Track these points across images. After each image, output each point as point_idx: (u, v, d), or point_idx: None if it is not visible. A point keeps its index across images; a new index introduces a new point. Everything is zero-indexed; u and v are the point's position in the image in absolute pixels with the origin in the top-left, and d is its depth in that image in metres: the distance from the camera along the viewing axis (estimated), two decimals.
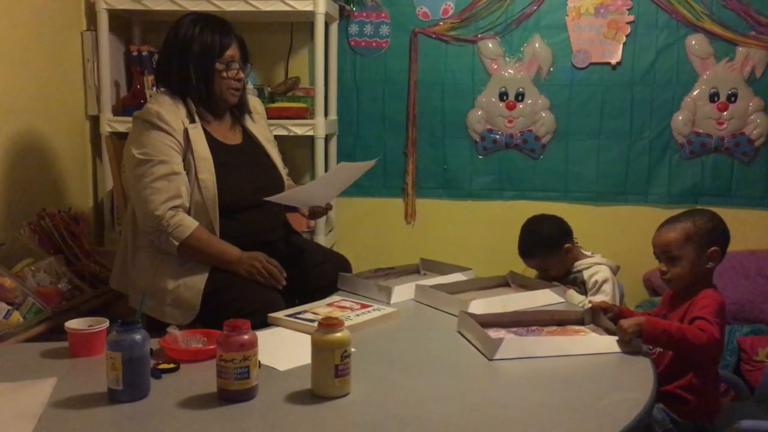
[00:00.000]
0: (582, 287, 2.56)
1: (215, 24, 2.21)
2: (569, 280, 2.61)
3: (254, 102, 2.45)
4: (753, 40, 3.13)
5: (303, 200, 2.34)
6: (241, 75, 2.23)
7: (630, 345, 1.74)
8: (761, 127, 3.16)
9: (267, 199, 2.16)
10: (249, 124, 2.37)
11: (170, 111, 2.14)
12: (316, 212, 2.37)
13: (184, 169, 2.12)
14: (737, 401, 2.26)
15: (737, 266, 2.97)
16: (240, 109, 2.34)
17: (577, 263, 2.62)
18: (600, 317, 1.92)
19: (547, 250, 2.62)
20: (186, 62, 2.17)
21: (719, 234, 1.96)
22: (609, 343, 1.76)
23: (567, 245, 2.63)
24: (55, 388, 1.50)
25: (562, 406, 1.45)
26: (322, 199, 2.32)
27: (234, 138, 2.31)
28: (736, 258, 2.98)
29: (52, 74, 2.78)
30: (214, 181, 2.13)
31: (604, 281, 2.53)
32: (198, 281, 2.09)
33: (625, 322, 1.76)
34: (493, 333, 1.83)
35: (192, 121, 2.17)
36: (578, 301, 2.43)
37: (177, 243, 2.07)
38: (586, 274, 2.57)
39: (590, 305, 2.04)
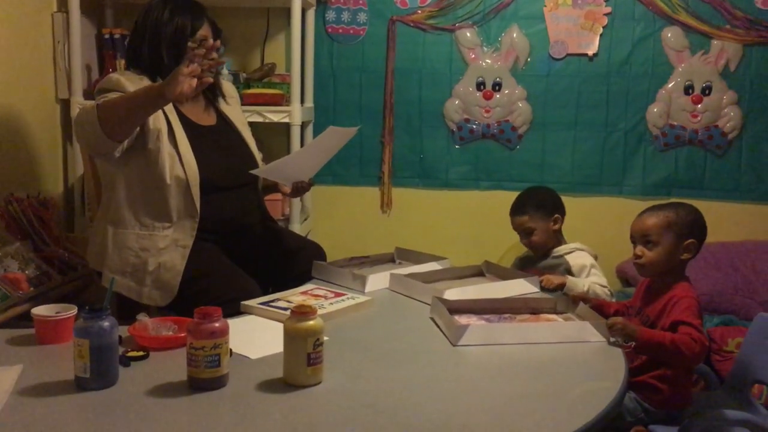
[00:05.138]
0: (566, 274, 2.58)
1: (186, 5, 2.18)
2: (549, 265, 2.62)
3: (227, 87, 2.43)
4: (728, 33, 3.15)
5: (289, 173, 2.28)
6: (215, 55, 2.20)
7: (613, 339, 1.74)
8: (734, 120, 3.19)
9: (252, 172, 2.14)
10: (223, 107, 2.35)
11: (133, 80, 2.09)
12: (300, 188, 2.33)
13: (160, 141, 2.06)
14: (707, 391, 2.29)
15: (709, 258, 2.99)
16: (213, 92, 2.31)
17: (560, 247, 2.66)
18: (579, 306, 1.92)
19: (539, 209, 2.66)
20: (158, 45, 2.14)
21: (698, 228, 2.02)
22: (577, 331, 1.76)
23: (557, 215, 2.68)
24: (20, 375, 1.47)
25: (533, 395, 1.45)
26: (308, 171, 2.29)
27: (208, 119, 2.29)
28: (708, 249, 2.97)
29: (21, 56, 2.71)
30: (193, 158, 2.10)
31: (592, 265, 2.56)
32: (178, 262, 2.06)
33: (620, 324, 1.76)
34: (464, 319, 1.84)
35: None
36: (583, 285, 2.43)
37: (97, 113, 1.90)
38: (570, 260, 2.60)
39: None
